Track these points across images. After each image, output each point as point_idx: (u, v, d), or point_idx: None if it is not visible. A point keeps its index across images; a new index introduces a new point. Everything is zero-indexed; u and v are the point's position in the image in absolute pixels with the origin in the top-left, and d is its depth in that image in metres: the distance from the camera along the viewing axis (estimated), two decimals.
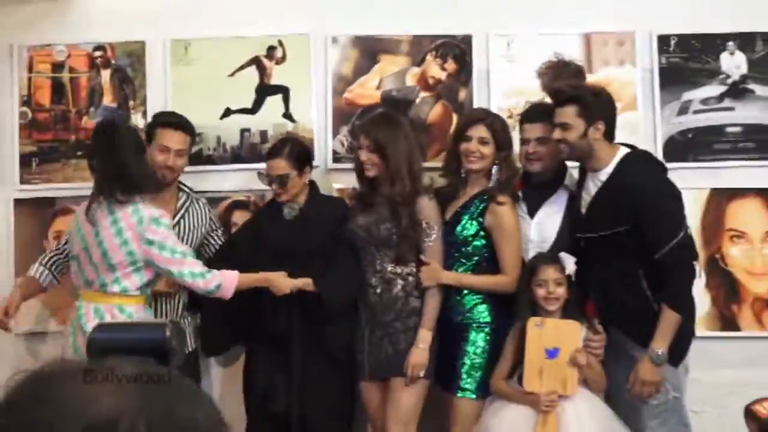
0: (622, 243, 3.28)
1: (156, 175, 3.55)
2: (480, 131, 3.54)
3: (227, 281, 3.32)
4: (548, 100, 3.85)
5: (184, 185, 3.80)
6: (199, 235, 3.75)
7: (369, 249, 3.56)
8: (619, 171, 3.33)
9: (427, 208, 3.52)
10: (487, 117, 3.61)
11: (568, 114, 3.33)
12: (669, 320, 3.22)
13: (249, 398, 3.67)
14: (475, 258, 3.56)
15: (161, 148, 3.62)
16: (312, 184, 3.73)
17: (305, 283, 3.49)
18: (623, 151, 3.39)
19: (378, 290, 3.54)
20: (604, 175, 3.35)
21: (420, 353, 3.46)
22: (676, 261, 3.23)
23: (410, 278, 3.53)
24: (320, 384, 3.54)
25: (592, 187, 3.40)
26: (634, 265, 3.28)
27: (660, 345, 3.23)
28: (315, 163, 3.91)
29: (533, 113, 3.62)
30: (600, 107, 3.34)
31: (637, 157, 3.41)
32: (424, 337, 3.48)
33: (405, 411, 3.47)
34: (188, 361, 3.62)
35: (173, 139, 3.64)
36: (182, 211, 3.73)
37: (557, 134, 3.36)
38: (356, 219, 3.58)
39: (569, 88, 3.41)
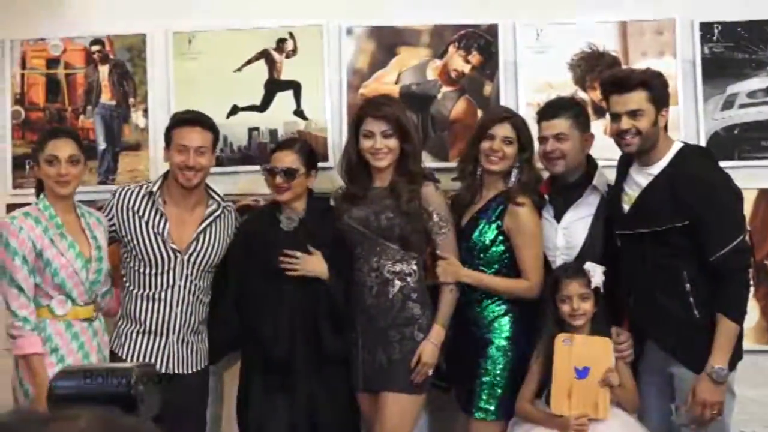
0: (671, 241, 3.16)
1: (177, 179, 3.47)
2: (505, 130, 3.45)
3: (21, 344, 3.21)
4: (581, 94, 3.83)
5: (215, 192, 3.64)
6: (224, 247, 3.60)
7: (365, 245, 3.43)
8: (676, 164, 3.20)
9: (435, 197, 3.42)
10: (511, 115, 3.54)
11: (640, 99, 3.18)
12: (727, 332, 3.08)
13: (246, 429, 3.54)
14: (495, 266, 3.45)
15: (178, 148, 3.48)
16: (311, 193, 3.61)
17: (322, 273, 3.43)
18: (678, 144, 3.28)
19: (374, 291, 3.41)
20: (656, 168, 3.23)
21: (431, 350, 3.35)
22: (733, 266, 3.09)
23: (409, 279, 3.40)
24: (327, 406, 3.43)
25: (641, 180, 3.26)
26: (679, 265, 3.14)
27: (719, 360, 3.09)
28: (328, 164, 3.86)
29: (550, 109, 3.51)
30: (665, 92, 3.25)
31: (696, 151, 3.31)
32: (437, 333, 3.38)
33: (394, 428, 3.34)
34: (198, 379, 3.58)
35: (190, 137, 3.48)
36: (209, 220, 3.56)
37: (626, 124, 3.20)
38: (351, 212, 3.45)
39: (634, 72, 3.31)
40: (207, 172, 3.55)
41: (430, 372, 3.36)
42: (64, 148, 3.34)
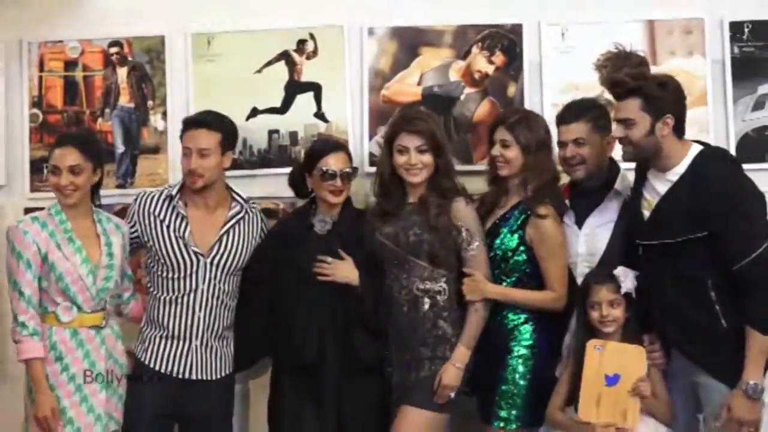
0: (692, 251, 3.06)
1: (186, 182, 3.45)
2: (501, 134, 3.41)
3: (21, 348, 3.19)
4: (607, 95, 3.67)
5: (238, 194, 3.58)
6: (249, 249, 3.53)
7: (396, 262, 3.38)
8: (695, 170, 3.08)
9: (465, 212, 3.36)
10: (506, 118, 3.44)
11: (631, 108, 3.10)
12: (757, 345, 2.98)
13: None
14: (516, 275, 3.39)
15: (184, 152, 3.43)
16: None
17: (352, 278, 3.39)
18: (696, 148, 3.16)
19: (405, 309, 3.36)
20: (674, 174, 3.12)
21: (454, 373, 3.29)
22: (758, 276, 2.97)
23: (439, 298, 3.34)
24: (356, 414, 3.36)
25: (658, 187, 3.16)
26: (703, 274, 3.05)
27: (753, 375, 2.98)
28: None
29: (567, 113, 3.45)
30: (668, 99, 3.10)
31: (714, 155, 3.17)
32: (461, 355, 3.30)
33: None
34: (223, 385, 3.52)
35: (192, 139, 3.41)
36: (232, 222, 3.50)
37: (618, 132, 3.15)
38: (382, 229, 3.41)
39: (630, 78, 3.18)
40: (214, 173, 3.44)
41: (452, 394, 3.28)
42: (65, 158, 3.26)
